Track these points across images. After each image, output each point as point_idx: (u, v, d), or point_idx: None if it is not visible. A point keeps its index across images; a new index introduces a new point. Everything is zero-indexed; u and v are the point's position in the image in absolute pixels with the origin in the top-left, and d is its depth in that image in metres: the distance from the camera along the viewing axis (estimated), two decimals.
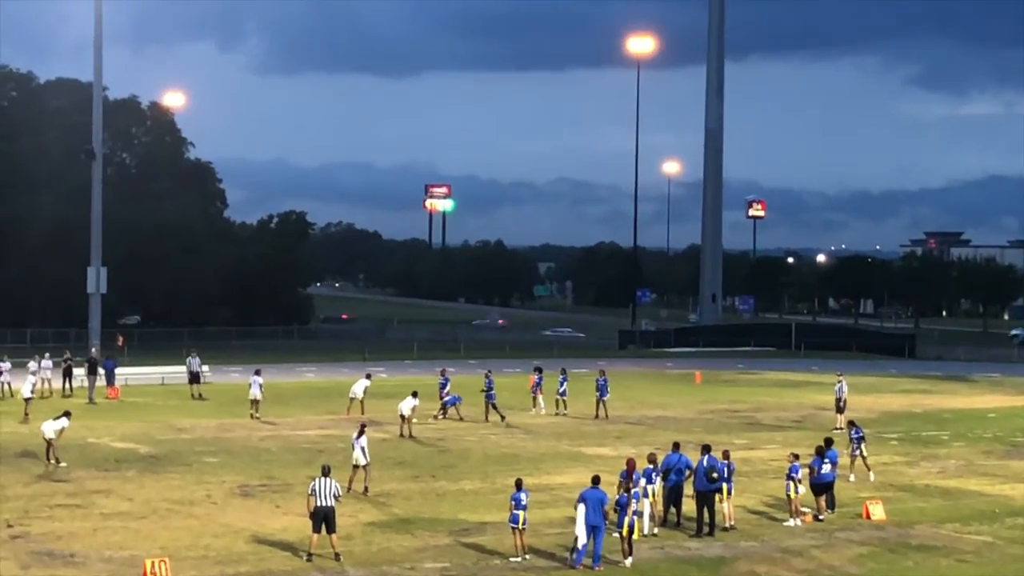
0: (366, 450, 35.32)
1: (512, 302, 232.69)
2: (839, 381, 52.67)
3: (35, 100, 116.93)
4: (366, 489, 35.11)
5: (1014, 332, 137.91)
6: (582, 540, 27.09)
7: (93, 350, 61.42)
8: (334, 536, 27.60)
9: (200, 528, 30.66)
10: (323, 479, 27.68)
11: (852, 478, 38.25)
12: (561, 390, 55.18)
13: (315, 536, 27.49)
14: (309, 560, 27.27)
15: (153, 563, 25.66)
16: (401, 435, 46.59)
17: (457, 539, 30.03)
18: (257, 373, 53.11)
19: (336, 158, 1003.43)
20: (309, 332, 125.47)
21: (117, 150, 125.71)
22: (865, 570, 28.03)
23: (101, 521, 31.38)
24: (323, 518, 27.44)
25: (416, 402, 47.50)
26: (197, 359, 61.68)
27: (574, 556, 27.39)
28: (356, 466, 35.32)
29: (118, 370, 63.01)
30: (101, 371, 60.06)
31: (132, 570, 26.25)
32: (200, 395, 59.71)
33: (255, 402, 51.89)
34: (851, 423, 40.39)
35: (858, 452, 38.88)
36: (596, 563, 27.25)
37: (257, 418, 51.31)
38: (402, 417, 47.01)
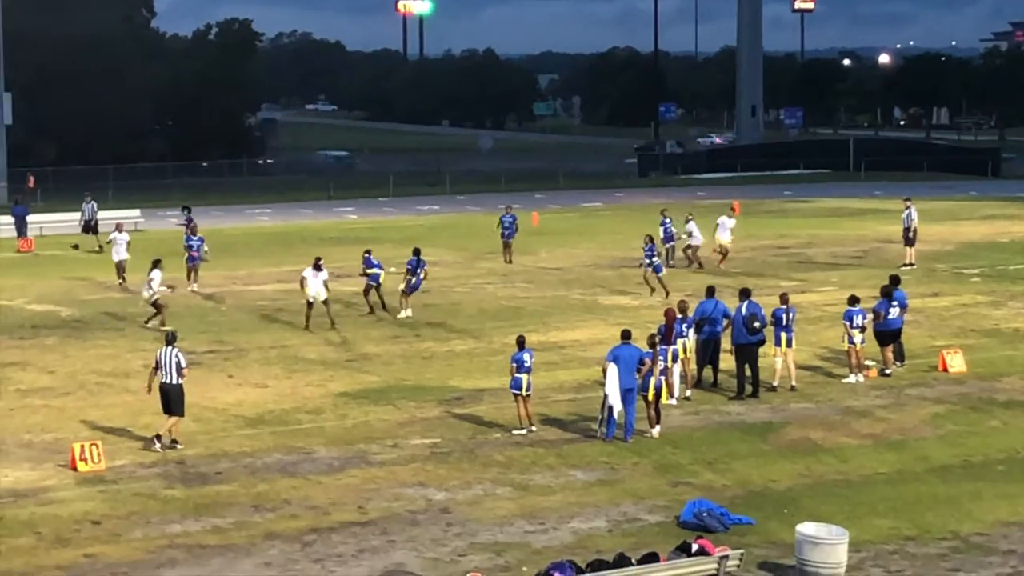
0: (328, 284, 37.73)
1: (508, 124, 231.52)
2: (907, 207, 52.60)
3: None
4: (333, 323, 37.76)
5: None
6: (617, 407, 27.20)
7: None
8: (173, 420, 27.00)
9: (138, 405, 30.71)
10: (166, 348, 27.18)
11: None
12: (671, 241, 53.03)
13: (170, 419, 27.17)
14: (172, 447, 26.91)
15: (82, 447, 25.80)
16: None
17: (448, 410, 30.21)
18: (119, 229, 50.39)
19: None
20: (261, 167, 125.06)
21: None
22: (943, 432, 28.22)
23: (18, 399, 31.54)
24: (166, 397, 26.94)
25: None
26: (93, 204, 61.45)
27: (604, 428, 27.53)
28: (311, 303, 37.95)
29: (30, 217, 62.98)
30: None
31: (57, 456, 26.44)
32: (101, 248, 58.84)
33: (121, 266, 48.95)
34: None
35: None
36: (628, 434, 27.40)
37: (124, 286, 48.45)
38: None
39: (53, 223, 67.63)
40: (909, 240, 52.08)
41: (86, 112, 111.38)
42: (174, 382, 26.91)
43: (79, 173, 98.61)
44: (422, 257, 42.80)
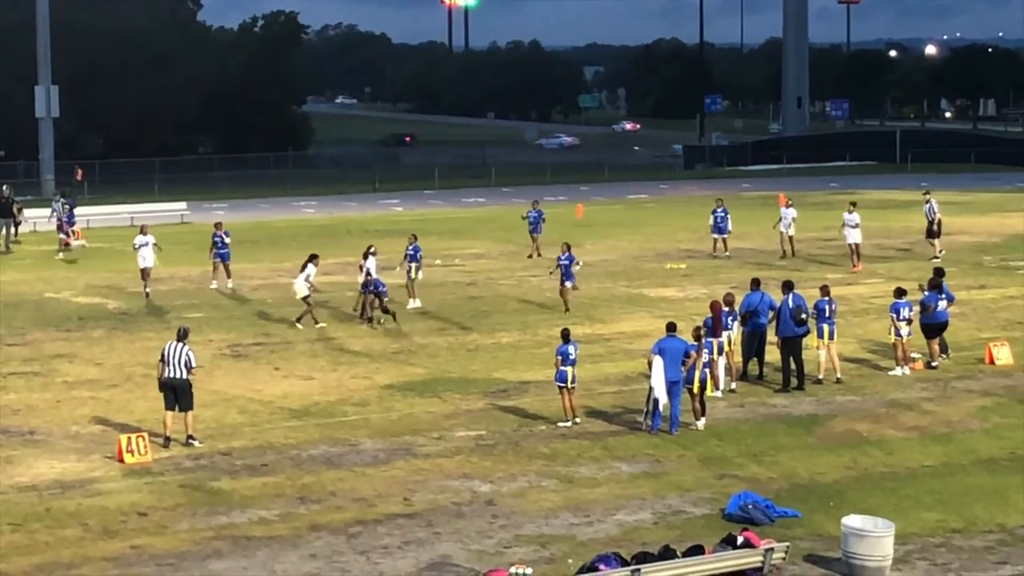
0: (372, 271, 39.23)
1: (553, 116, 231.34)
2: (927, 201, 52.13)
3: None
4: (386, 310, 39.00)
5: None
6: (662, 400, 27.15)
7: (4, 188, 61.10)
8: (188, 415, 26.92)
9: None
10: (175, 344, 27.04)
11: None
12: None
13: (169, 414, 26.95)
14: (166, 445, 26.73)
15: (129, 439, 25.94)
16: None
17: (493, 402, 30.23)
18: (143, 231, 46.15)
19: None
20: (307, 159, 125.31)
21: None
22: (989, 425, 28.06)
23: (65, 391, 31.71)
24: (173, 392, 26.84)
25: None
26: (63, 203, 62.00)
27: (649, 421, 27.49)
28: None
29: (77, 210, 63.28)
30: (25, 216, 61.96)
31: (104, 448, 26.58)
32: (68, 245, 58.62)
33: (145, 272, 45.13)
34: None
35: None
36: (673, 427, 27.37)
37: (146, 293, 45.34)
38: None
39: (100, 215, 68.05)
40: (933, 232, 51.50)
41: (132, 105, 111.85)
42: (182, 377, 26.72)
43: (126, 166, 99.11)
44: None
